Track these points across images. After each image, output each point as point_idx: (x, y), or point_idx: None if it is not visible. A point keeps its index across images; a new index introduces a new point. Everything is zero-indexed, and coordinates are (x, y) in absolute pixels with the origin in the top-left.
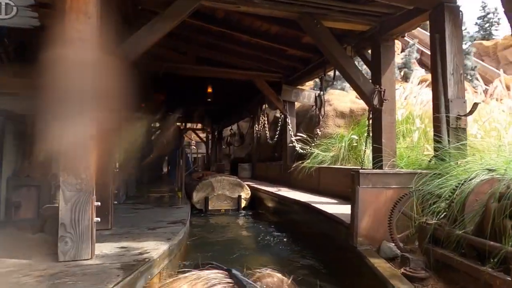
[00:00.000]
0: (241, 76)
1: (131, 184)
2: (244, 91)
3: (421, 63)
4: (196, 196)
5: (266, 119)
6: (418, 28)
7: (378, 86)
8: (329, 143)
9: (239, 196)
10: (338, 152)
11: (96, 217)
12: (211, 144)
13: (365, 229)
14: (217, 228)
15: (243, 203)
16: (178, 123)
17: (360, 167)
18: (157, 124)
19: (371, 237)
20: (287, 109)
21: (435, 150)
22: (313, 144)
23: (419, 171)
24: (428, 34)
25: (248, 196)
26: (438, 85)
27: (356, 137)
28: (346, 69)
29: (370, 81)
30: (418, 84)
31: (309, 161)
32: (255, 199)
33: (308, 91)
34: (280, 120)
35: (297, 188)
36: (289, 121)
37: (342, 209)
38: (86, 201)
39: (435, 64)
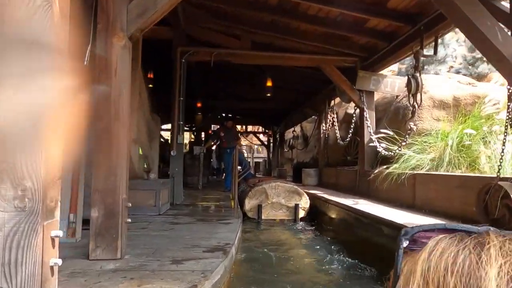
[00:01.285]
0: (305, 62)
1: (177, 190)
2: (307, 85)
3: None
4: (249, 204)
5: (335, 116)
6: None
7: None
8: (425, 141)
9: (296, 205)
10: (440, 154)
11: (100, 241)
12: (272, 148)
13: None
14: (274, 250)
15: (301, 213)
16: (237, 126)
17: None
18: (216, 127)
19: None
20: (364, 100)
21: None
22: (402, 144)
23: None
24: None
25: (307, 206)
26: None
27: (473, 132)
28: (475, 23)
29: None
30: None
31: (397, 165)
32: (322, 212)
33: (391, 77)
34: (354, 116)
35: (380, 200)
36: (367, 116)
37: None
38: (31, 230)
39: None
